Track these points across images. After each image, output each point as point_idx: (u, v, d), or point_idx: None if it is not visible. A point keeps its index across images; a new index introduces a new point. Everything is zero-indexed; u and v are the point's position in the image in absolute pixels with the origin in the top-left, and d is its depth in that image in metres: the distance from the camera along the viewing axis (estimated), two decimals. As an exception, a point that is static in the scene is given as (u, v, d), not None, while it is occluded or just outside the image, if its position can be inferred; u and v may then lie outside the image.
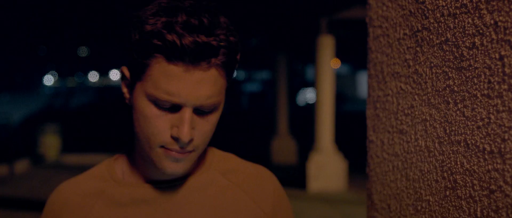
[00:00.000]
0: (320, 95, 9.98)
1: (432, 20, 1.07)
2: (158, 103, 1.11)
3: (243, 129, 19.79)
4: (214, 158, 1.40)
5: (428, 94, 1.10)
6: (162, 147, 1.16)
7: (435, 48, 1.06)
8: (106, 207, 1.28)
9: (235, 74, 1.23)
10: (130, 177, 1.32)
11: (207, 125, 1.16)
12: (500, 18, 0.87)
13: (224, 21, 1.12)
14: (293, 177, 10.65)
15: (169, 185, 1.29)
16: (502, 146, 0.86)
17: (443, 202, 1.05)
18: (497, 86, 0.88)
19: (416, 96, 1.14)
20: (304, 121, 16.42)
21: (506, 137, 0.85)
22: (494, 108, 0.89)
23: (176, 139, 1.12)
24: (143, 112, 1.14)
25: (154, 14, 1.08)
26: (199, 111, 1.13)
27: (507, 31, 0.85)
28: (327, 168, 9.85)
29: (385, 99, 1.28)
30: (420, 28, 1.12)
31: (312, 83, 28.03)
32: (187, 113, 1.10)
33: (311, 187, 9.86)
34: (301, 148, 12.94)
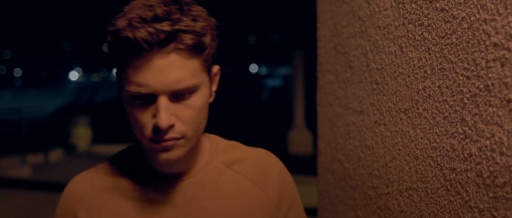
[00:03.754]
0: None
1: (341, 40, 1.57)
2: (134, 98, 1.13)
3: (263, 121, 20.05)
4: (218, 148, 1.40)
5: (339, 82, 1.59)
6: (151, 140, 1.16)
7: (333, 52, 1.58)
8: (120, 201, 1.29)
9: (216, 55, 1.24)
10: (142, 170, 1.33)
11: (189, 110, 1.15)
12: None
13: (189, 8, 1.13)
14: (308, 166, 11.13)
15: (179, 179, 1.31)
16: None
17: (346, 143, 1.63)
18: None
19: (336, 84, 1.63)
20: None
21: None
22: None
23: (157, 129, 1.13)
24: (128, 110, 1.18)
25: (121, 15, 1.11)
26: (176, 97, 1.14)
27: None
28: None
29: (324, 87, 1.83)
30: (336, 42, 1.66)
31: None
32: (160, 100, 1.11)
33: (325, 175, 10.30)
34: (317, 140, 13.33)
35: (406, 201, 1.42)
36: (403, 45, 1.41)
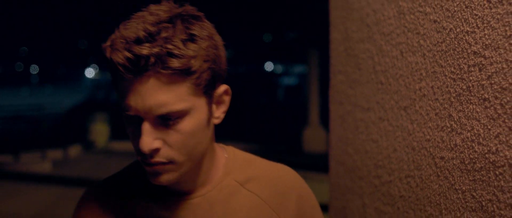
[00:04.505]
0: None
1: (351, 43, 1.79)
2: (125, 116, 1.11)
3: (278, 119, 20.26)
4: (234, 164, 1.33)
5: (349, 82, 1.81)
6: (139, 156, 1.13)
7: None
8: None
9: (218, 75, 1.15)
10: (150, 186, 1.25)
11: (177, 134, 1.10)
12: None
13: (186, 27, 1.07)
14: (322, 164, 11.31)
15: (189, 196, 1.26)
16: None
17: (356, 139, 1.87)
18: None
19: (347, 84, 1.84)
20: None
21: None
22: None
23: (141, 151, 1.09)
24: (125, 124, 1.15)
25: (115, 31, 1.07)
26: (162, 120, 1.08)
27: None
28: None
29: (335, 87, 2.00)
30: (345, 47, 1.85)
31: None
32: (144, 124, 1.07)
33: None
34: (329, 135, 13.43)
35: (405, 187, 1.62)
36: (403, 50, 1.61)
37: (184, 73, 1.05)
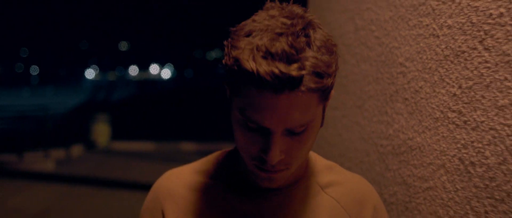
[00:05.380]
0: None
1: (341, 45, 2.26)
2: (247, 123, 1.06)
3: None
4: (315, 167, 1.34)
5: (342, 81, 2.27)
6: (255, 165, 1.11)
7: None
8: (208, 205, 1.27)
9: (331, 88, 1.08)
10: (234, 177, 1.29)
11: (300, 145, 1.09)
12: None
13: (316, 38, 1.03)
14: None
15: (270, 193, 1.25)
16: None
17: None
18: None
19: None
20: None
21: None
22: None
23: (264, 160, 1.08)
24: (236, 125, 1.11)
25: (245, 35, 1.02)
26: (289, 132, 1.06)
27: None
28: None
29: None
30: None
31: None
32: (274, 138, 1.04)
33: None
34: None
35: (358, 171, 1.98)
36: (358, 59, 1.98)
37: (322, 90, 1.03)
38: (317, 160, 1.35)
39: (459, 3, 1.27)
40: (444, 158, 1.35)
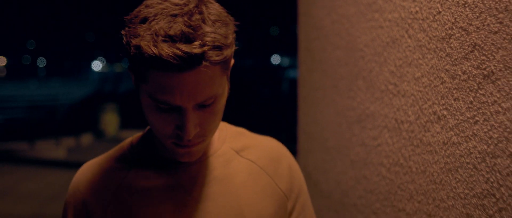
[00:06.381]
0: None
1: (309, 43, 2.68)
2: (158, 105, 1.08)
3: (282, 112, 20.55)
4: (227, 134, 1.38)
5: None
6: (173, 142, 1.15)
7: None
8: (130, 190, 1.26)
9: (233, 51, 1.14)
10: (152, 156, 1.30)
11: (211, 116, 1.13)
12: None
13: (210, 13, 1.06)
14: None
15: (187, 165, 1.28)
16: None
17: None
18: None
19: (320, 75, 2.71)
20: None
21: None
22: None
23: (181, 137, 1.11)
24: (148, 109, 1.12)
25: (141, 22, 1.04)
26: (200, 106, 1.09)
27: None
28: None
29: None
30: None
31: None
32: (187, 113, 1.07)
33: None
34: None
35: (334, 142, 2.38)
36: (334, 47, 2.38)
37: (224, 61, 1.08)
38: (228, 128, 1.42)
39: (394, 2, 1.67)
40: (386, 120, 1.75)
